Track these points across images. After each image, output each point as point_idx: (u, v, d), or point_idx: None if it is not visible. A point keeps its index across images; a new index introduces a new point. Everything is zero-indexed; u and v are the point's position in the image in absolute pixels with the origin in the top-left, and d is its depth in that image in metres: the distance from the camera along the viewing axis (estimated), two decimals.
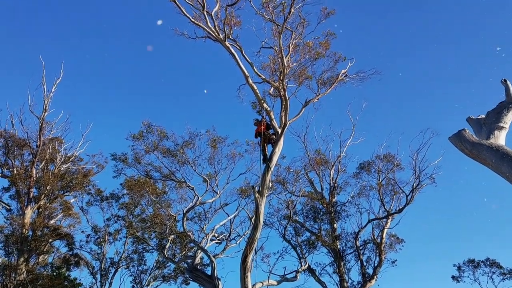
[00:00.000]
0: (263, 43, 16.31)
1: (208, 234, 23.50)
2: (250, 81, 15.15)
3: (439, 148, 38.27)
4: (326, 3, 15.78)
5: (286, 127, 15.09)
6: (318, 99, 16.10)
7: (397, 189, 26.51)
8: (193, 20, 15.18)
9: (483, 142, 8.81)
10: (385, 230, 26.26)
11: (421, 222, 51.86)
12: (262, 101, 15.47)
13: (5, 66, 56.93)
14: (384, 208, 26.36)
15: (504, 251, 49.04)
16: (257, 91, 15.29)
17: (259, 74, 15.46)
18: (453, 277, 28.33)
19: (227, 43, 15.19)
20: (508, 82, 9.77)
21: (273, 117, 15.41)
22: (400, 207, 25.73)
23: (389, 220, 26.46)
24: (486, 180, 52.31)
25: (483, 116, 9.95)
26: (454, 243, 51.36)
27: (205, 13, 15.09)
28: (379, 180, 27.13)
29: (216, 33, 15.18)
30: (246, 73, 15.13)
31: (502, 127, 9.29)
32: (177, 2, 14.87)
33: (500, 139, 9.11)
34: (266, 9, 15.35)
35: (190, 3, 15.19)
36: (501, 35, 55.61)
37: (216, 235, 24.55)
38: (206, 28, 15.20)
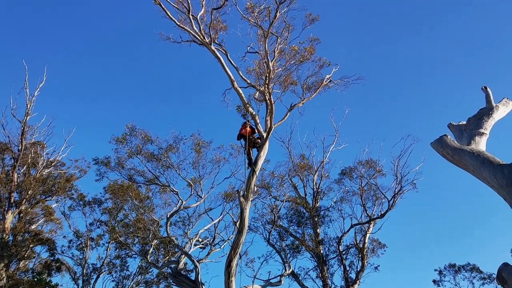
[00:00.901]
0: (248, 48, 16.41)
1: (192, 239, 23.42)
2: (236, 85, 15.22)
3: (419, 154, 38.73)
4: (311, 9, 15.96)
5: (272, 131, 15.16)
6: (303, 103, 16.22)
7: (379, 194, 26.82)
8: (178, 23, 15.20)
9: (465, 148, 8.96)
10: (368, 235, 26.48)
11: (403, 227, 52.34)
12: (248, 105, 15.54)
13: None
14: (366, 213, 26.62)
15: (484, 256, 49.72)
16: (243, 95, 15.36)
17: (245, 78, 15.54)
18: (434, 281, 28.74)
19: (212, 47, 15.25)
20: (488, 89, 9.99)
21: (258, 121, 15.47)
22: (382, 212, 25.99)
23: (371, 225, 26.69)
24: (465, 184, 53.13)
25: (464, 122, 10.15)
26: (435, 248, 51.96)
27: (190, 16, 15.13)
28: (361, 185, 27.40)
29: (201, 37, 15.22)
30: (232, 77, 15.20)
31: (483, 133, 9.47)
32: (162, 5, 14.89)
33: (481, 145, 9.27)
34: (252, 14, 15.46)
35: (176, 6, 15.23)
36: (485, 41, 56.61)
37: (200, 240, 24.48)
38: (191, 31, 15.23)
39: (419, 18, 62.50)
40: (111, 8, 64.95)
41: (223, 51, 15.64)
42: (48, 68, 29.49)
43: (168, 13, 14.98)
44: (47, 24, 64.00)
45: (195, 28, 15.20)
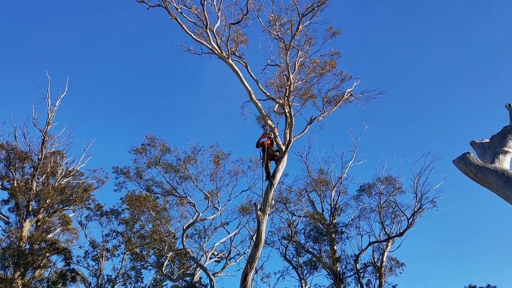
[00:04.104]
0: (269, 60, 16.37)
1: (207, 252, 23.32)
2: (254, 98, 15.15)
3: (440, 171, 38.13)
4: (333, 22, 15.92)
5: (291, 144, 15.04)
6: (323, 117, 16.10)
7: (398, 212, 26.44)
8: (195, 38, 15.22)
9: (488, 166, 8.74)
10: (386, 254, 26.08)
11: (422, 246, 51.44)
12: (267, 118, 15.47)
13: (10, 78, 57.24)
14: (385, 231, 26.23)
15: (504, 277, 48.54)
16: (261, 107, 15.29)
17: (264, 91, 15.49)
18: None
19: (230, 60, 15.22)
20: None
21: (277, 134, 15.38)
22: (401, 231, 25.59)
23: (389, 244, 26.28)
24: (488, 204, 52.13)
25: (487, 140, 9.93)
26: (455, 268, 50.90)
27: (208, 31, 15.16)
28: (380, 202, 27.05)
29: (219, 51, 15.22)
30: (250, 90, 15.13)
31: (507, 151, 9.24)
32: (178, 20, 14.93)
33: (504, 163, 9.05)
34: (273, 26, 15.43)
35: (193, 21, 15.26)
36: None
37: (216, 253, 24.37)
38: (209, 46, 15.23)
39: (442, 34, 62.11)
40: (133, 19, 65.82)
41: (243, 64, 15.62)
42: (70, 78, 29.80)
43: (185, 27, 14.98)
44: (70, 35, 65.09)
45: (213, 43, 15.19)
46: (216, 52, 15.24)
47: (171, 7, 14.87)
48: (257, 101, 15.22)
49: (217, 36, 15.29)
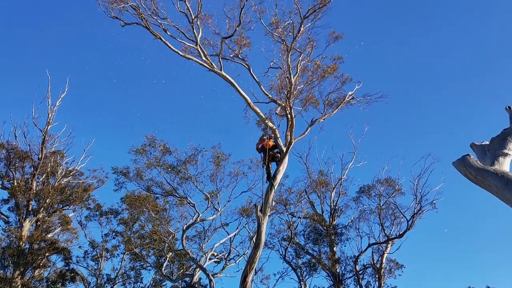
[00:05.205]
0: (271, 63, 16.43)
1: (207, 252, 23.35)
2: (253, 106, 15.17)
3: (440, 173, 38.19)
4: (335, 26, 15.97)
5: (291, 146, 15.09)
6: (324, 119, 16.13)
7: (398, 213, 26.46)
8: (183, 54, 15.16)
9: (488, 168, 8.78)
10: (385, 255, 26.11)
11: (421, 248, 51.44)
12: (267, 121, 15.52)
13: (11, 78, 57.23)
14: (384, 232, 26.25)
15: (503, 279, 48.57)
16: (260, 113, 15.32)
17: (266, 93, 15.55)
18: None
19: (223, 72, 15.17)
20: None
21: (278, 135, 15.42)
22: (401, 232, 25.62)
23: (389, 245, 26.30)
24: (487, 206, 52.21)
25: (487, 142, 9.97)
26: (454, 269, 50.90)
27: (198, 48, 15.12)
28: (379, 204, 27.07)
29: (210, 66, 15.14)
30: (247, 98, 15.14)
31: (507, 154, 9.28)
32: (162, 39, 14.89)
33: (504, 165, 9.08)
34: (276, 29, 15.47)
35: (182, 41, 15.24)
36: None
37: (215, 253, 24.40)
38: (199, 61, 15.18)
39: (443, 35, 62.20)
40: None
41: (245, 66, 15.67)
42: (70, 78, 29.80)
43: (170, 45, 14.93)
44: (71, 35, 65.07)
45: (204, 58, 15.11)
46: (208, 67, 15.16)
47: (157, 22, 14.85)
48: (255, 108, 15.25)
49: (207, 55, 15.22)
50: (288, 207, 26.11)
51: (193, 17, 15.24)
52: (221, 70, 15.19)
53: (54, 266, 28.15)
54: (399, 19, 63.76)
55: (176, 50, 15.09)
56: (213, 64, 15.19)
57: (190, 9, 15.23)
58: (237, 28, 15.41)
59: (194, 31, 15.16)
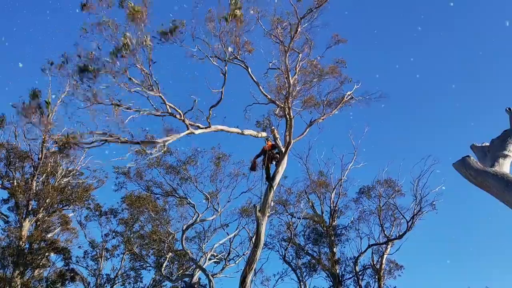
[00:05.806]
0: (270, 64, 16.33)
1: (206, 253, 23.34)
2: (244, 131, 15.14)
3: (440, 175, 38.12)
4: (335, 26, 15.94)
5: (291, 146, 15.05)
6: (323, 119, 16.08)
7: (398, 214, 26.45)
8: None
9: (488, 170, 8.75)
10: (385, 256, 26.11)
11: (421, 249, 51.38)
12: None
13: (11, 78, 57.24)
14: (384, 233, 26.25)
15: (503, 280, 48.49)
16: (253, 133, 15.40)
17: (265, 94, 15.51)
18: None
19: (212, 127, 14.53)
20: None
21: (277, 136, 15.39)
22: (400, 233, 25.61)
23: (389, 246, 26.30)
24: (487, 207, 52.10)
25: (487, 143, 9.95)
26: (454, 271, 50.84)
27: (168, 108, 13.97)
28: (379, 205, 27.04)
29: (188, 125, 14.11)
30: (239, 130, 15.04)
31: (507, 155, 9.26)
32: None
33: (504, 167, 9.05)
34: (275, 29, 15.40)
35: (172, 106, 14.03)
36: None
37: (215, 254, 24.39)
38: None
39: (443, 35, 62.14)
40: None
41: (244, 67, 15.61)
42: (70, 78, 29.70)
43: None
44: (70, 35, 65.06)
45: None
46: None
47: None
48: (249, 131, 15.22)
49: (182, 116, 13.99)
50: (288, 207, 26.11)
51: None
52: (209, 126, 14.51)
53: (54, 266, 28.11)
54: (399, 19, 63.72)
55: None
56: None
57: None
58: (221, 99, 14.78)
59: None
